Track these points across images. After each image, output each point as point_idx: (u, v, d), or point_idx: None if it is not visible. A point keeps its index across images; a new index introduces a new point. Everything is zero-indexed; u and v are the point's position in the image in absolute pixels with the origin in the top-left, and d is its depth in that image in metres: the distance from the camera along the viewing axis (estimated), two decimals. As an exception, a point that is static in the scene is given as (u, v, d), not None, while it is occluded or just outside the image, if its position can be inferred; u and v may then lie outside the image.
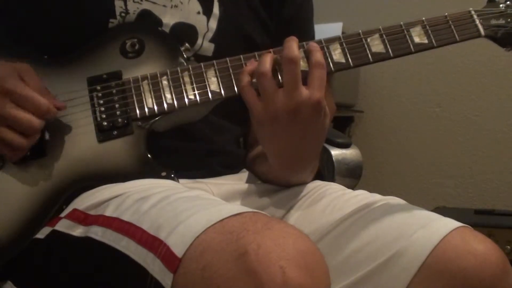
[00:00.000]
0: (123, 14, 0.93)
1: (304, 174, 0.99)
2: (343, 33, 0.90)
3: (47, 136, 0.87)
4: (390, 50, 0.88)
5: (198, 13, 0.98)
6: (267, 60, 0.84)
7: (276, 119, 0.83)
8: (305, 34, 1.09)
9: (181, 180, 0.88)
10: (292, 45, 0.83)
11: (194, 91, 0.88)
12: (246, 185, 1.00)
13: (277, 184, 1.00)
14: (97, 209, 0.80)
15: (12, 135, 0.82)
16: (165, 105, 0.88)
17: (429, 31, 0.88)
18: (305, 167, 0.97)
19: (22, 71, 0.84)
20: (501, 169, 2.38)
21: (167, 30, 0.95)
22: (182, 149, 0.96)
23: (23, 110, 0.82)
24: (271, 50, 0.87)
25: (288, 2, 1.06)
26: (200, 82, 0.88)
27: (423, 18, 0.89)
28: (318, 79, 0.83)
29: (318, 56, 0.84)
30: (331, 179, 1.33)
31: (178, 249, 0.65)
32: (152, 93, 0.88)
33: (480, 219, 2.02)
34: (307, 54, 0.85)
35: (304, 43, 0.86)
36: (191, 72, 0.89)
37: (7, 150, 0.83)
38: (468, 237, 0.81)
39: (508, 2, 0.91)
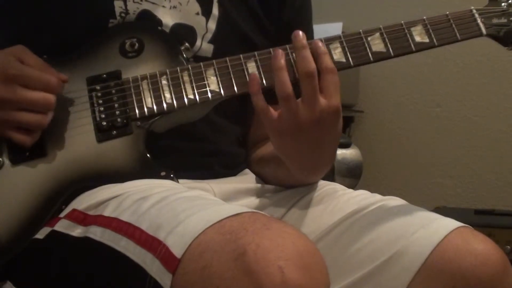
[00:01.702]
0: (123, 15, 0.93)
1: (322, 174, 0.99)
2: (343, 33, 0.90)
3: (46, 136, 0.86)
4: (390, 49, 0.88)
5: (197, 14, 0.98)
6: (287, 81, 0.82)
7: (301, 131, 0.83)
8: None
9: (181, 180, 0.88)
10: (307, 57, 0.82)
11: (194, 90, 0.88)
12: (246, 185, 1.00)
13: (291, 187, 1.00)
14: (96, 209, 0.80)
15: (28, 115, 0.82)
16: (165, 105, 0.87)
17: (430, 30, 0.88)
18: (327, 167, 0.97)
19: (18, 53, 0.84)
20: (501, 169, 2.38)
21: (166, 30, 0.95)
22: (181, 149, 0.96)
23: (34, 90, 0.82)
24: (270, 49, 0.87)
25: (287, 4, 1.05)
26: (199, 81, 0.88)
27: (424, 17, 0.89)
28: (332, 85, 0.83)
29: (327, 61, 0.84)
30: (331, 179, 1.33)
31: (177, 250, 0.64)
32: (151, 93, 0.88)
33: (480, 219, 2.02)
34: (315, 56, 0.84)
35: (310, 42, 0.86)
36: (191, 71, 0.88)
37: (20, 134, 0.83)
38: (469, 237, 0.81)
39: (510, 1, 0.91)
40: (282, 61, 0.83)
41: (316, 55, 0.84)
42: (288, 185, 1.00)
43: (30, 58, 0.85)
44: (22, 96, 0.82)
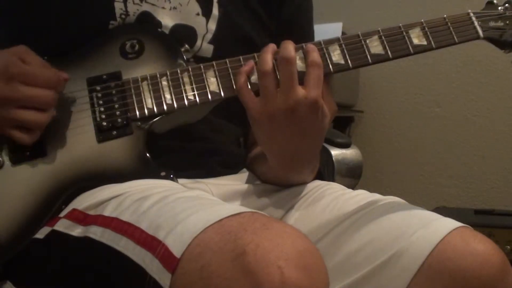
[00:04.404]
0: (123, 16, 0.93)
1: (303, 174, 0.99)
2: (343, 33, 0.90)
3: (47, 136, 0.87)
4: (389, 51, 0.88)
5: (197, 14, 0.98)
6: (268, 58, 0.84)
7: (273, 118, 0.83)
8: (305, 34, 1.09)
9: (180, 180, 0.88)
10: (288, 46, 0.83)
11: (194, 91, 0.88)
12: (246, 185, 1.00)
13: (277, 184, 1.00)
14: (96, 209, 0.80)
15: (28, 113, 0.83)
16: (165, 106, 0.88)
17: (428, 33, 0.88)
18: (304, 167, 0.97)
19: (20, 53, 0.84)
20: (501, 169, 2.38)
21: (166, 31, 0.95)
22: (181, 149, 0.96)
23: (35, 87, 0.82)
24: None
25: (287, 2, 1.06)
26: (199, 82, 0.88)
27: (422, 20, 0.89)
28: (314, 78, 0.83)
29: (314, 55, 0.84)
30: (331, 179, 1.33)
31: (177, 249, 0.65)
32: (151, 93, 0.88)
33: (480, 219, 2.02)
34: (305, 55, 0.85)
35: (303, 44, 0.86)
36: (191, 73, 0.89)
37: (21, 133, 0.84)
38: (468, 237, 0.81)
39: (506, 5, 0.92)
40: (270, 47, 0.85)
41: (306, 52, 0.85)
42: (276, 182, 1.00)
43: (31, 58, 0.85)
44: (22, 93, 0.82)
